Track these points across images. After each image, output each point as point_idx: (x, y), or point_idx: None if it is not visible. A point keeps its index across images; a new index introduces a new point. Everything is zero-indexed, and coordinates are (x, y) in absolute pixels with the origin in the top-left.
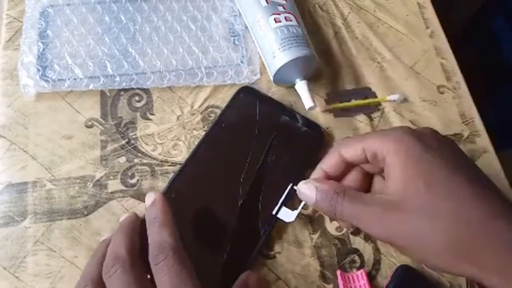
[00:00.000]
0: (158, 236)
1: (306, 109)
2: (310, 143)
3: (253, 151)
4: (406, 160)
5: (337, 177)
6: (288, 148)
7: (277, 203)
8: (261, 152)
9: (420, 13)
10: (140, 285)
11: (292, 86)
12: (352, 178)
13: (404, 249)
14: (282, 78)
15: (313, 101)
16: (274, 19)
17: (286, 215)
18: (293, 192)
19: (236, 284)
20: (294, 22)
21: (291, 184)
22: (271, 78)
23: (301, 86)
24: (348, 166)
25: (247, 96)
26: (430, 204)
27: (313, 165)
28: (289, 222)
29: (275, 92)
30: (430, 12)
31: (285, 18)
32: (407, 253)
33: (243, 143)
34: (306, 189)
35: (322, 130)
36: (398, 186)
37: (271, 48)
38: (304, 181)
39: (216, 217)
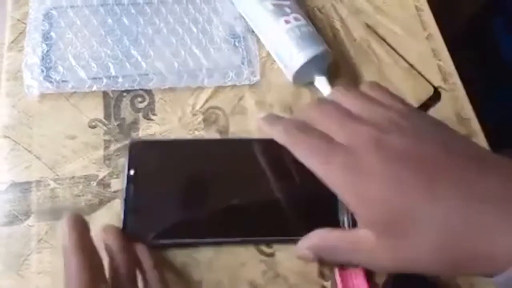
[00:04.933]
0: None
1: None
2: None
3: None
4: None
5: None
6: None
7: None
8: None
9: (417, 15)
10: None
11: (293, 87)
12: None
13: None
14: (301, 77)
15: None
16: (284, 20)
17: None
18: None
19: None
20: (303, 21)
21: None
22: (290, 79)
23: (322, 82)
24: None
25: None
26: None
27: None
28: None
29: (272, 95)
30: (427, 15)
31: (294, 18)
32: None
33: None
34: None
35: None
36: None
37: (287, 50)
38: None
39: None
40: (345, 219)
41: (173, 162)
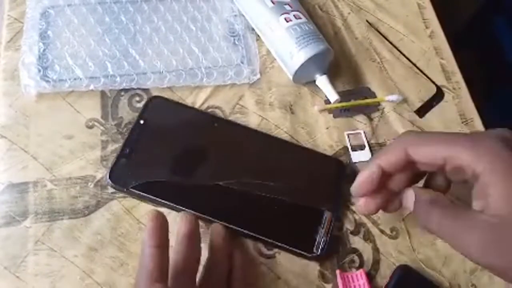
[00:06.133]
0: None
1: (332, 102)
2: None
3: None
4: (509, 180)
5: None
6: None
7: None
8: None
9: (419, 13)
10: None
11: (293, 86)
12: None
13: (503, 273)
14: (302, 76)
15: (337, 93)
16: (285, 18)
17: (359, 156)
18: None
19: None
20: (304, 19)
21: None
22: (290, 77)
23: (323, 81)
24: (409, 165)
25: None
26: None
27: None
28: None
29: (275, 93)
30: (430, 13)
31: (295, 16)
32: (504, 277)
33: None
34: (408, 196)
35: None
36: (504, 209)
37: (287, 48)
38: (409, 187)
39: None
40: (322, 240)
41: (183, 127)
